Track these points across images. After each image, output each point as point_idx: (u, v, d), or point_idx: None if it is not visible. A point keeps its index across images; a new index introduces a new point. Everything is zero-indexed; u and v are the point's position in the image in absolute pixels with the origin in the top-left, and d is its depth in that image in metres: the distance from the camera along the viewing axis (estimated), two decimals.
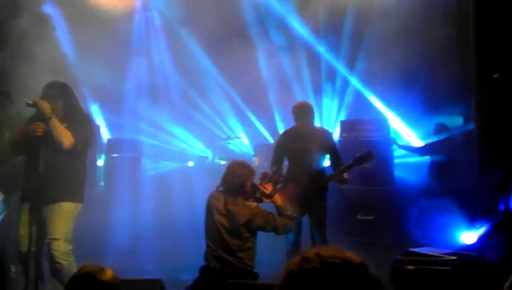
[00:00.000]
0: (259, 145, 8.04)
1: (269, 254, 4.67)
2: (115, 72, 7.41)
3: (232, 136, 8.61)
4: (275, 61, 8.23)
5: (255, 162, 7.61)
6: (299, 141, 4.98)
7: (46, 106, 4.06)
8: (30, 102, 4.05)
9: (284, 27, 8.25)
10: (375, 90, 7.84)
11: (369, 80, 7.83)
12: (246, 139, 8.81)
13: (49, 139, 4.06)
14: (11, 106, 5.29)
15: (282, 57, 8.29)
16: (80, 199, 4.26)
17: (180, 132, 8.72)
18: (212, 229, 4.03)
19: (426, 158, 7.00)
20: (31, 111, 4.21)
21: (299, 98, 7.76)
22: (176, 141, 8.73)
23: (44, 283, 4.15)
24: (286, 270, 1.32)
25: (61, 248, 4.04)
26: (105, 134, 8.51)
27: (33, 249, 3.97)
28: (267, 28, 8.21)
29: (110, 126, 8.58)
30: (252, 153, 8.30)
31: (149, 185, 7.60)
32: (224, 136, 8.60)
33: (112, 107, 8.22)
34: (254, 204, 4.13)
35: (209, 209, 4.08)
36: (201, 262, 4.06)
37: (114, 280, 1.83)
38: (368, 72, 7.70)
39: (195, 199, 6.15)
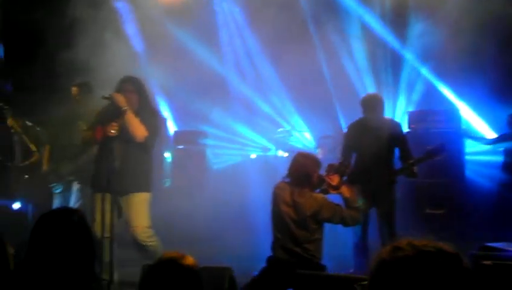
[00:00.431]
0: (322, 137, 7.97)
1: (336, 246, 4.64)
2: (181, 64, 7.54)
3: (292, 129, 8.58)
4: (338, 52, 8.10)
5: (318, 154, 7.56)
6: (367, 133, 4.91)
7: (121, 100, 4.24)
8: (107, 95, 4.24)
9: (348, 16, 8.08)
10: (446, 80, 7.56)
11: (439, 69, 7.56)
12: (307, 133, 8.75)
13: (123, 133, 4.25)
14: (91, 98, 5.49)
15: (346, 48, 8.15)
16: (150, 188, 4.50)
17: (243, 125, 8.79)
18: (279, 221, 4.04)
19: (499, 153, 6.68)
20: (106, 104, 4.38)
21: (364, 89, 7.62)
22: (239, 135, 8.82)
23: (115, 267, 4.33)
24: (378, 259, 1.30)
25: (146, 233, 4.36)
26: (171, 127, 8.72)
27: (106, 235, 4.17)
28: (332, 17, 8.06)
29: (177, 119, 8.78)
30: (314, 145, 8.25)
31: (215, 176, 7.74)
32: (286, 129, 8.58)
33: (177, 100, 8.39)
34: (321, 195, 4.11)
35: (276, 200, 4.10)
36: (269, 252, 4.10)
37: (195, 266, 1.89)
38: (438, 60, 7.43)
39: (260, 190, 6.19)
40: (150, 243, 4.38)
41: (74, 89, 5.47)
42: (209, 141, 8.18)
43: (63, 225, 2.19)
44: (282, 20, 7.43)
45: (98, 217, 4.23)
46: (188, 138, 8.15)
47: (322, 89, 8.05)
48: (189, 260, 1.91)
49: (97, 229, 4.18)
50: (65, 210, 2.32)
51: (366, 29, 7.99)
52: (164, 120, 7.83)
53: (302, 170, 4.06)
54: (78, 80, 5.61)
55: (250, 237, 5.98)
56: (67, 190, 5.40)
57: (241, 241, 6.09)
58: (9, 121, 5.42)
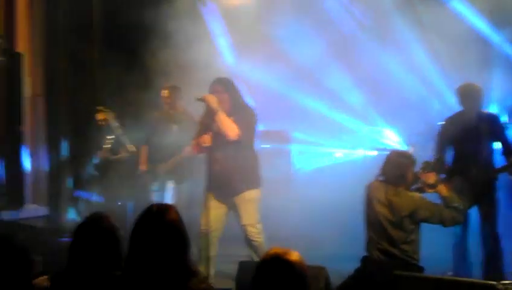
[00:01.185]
0: (413, 134, 7.71)
1: (433, 247, 4.45)
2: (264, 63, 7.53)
3: (380, 126, 8.36)
4: (434, 46, 7.74)
5: (410, 151, 7.31)
6: (465, 128, 4.66)
7: (213, 101, 4.34)
8: (200, 97, 4.36)
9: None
10: None
11: None
12: (391, 131, 8.48)
13: (217, 135, 4.40)
14: (181, 101, 5.67)
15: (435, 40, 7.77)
16: (258, 184, 4.60)
17: (329, 123, 8.66)
18: (374, 221, 3.94)
19: None
20: (193, 106, 4.59)
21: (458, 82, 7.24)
22: (326, 133, 8.70)
23: (212, 263, 4.54)
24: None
25: (256, 230, 4.52)
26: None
27: (211, 229, 4.44)
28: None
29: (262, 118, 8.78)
30: (405, 142, 7.99)
31: (301, 176, 7.69)
32: (375, 127, 8.38)
33: (264, 97, 8.38)
34: (418, 195, 3.96)
35: (369, 200, 4.00)
36: (360, 252, 4.01)
37: (300, 261, 1.92)
38: None
39: (348, 189, 6.08)
40: (258, 239, 4.52)
41: (165, 92, 5.64)
42: (295, 140, 8.14)
43: (159, 222, 2.26)
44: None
45: (206, 212, 4.46)
46: (273, 137, 8.17)
47: (411, 84, 7.75)
48: (295, 254, 1.94)
49: (203, 222, 4.43)
50: (161, 206, 2.38)
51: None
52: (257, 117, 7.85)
53: (397, 169, 3.94)
54: (169, 83, 5.79)
55: (341, 236, 5.89)
56: (163, 188, 5.63)
57: (331, 241, 6.02)
58: (109, 116, 5.73)
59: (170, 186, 5.62)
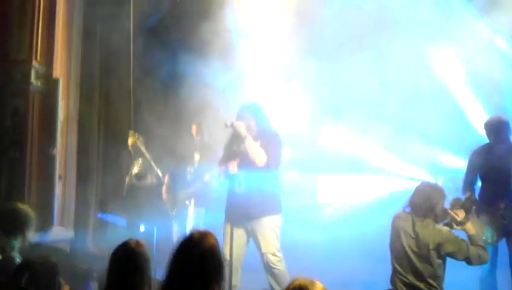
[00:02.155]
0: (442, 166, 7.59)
1: (460, 280, 4.35)
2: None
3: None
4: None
5: (438, 182, 7.20)
6: (492, 160, 4.61)
7: (241, 127, 4.41)
8: (228, 124, 4.43)
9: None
10: None
11: None
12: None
13: (244, 160, 4.43)
14: (205, 136, 5.91)
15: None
16: (279, 210, 4.57)
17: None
18: (400, 253, 3.88)
19: None
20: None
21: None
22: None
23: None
24: None
25: (276, 258, 4.46)
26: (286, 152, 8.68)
27: (233, 259, 4.35)
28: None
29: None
30: (434, 174, 7.86)
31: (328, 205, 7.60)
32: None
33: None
34: (446, 228, 3.89)
35: (396, 231, 3.95)
36: (384, 283, 3.95)
37: None
38: None
39: (373, 217, 6.03)
40: (278, 268, 4.45)
41: (194, 128, 5.85)
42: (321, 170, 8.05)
43: (198, 250, 2.30)
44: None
45: (227, 242, 4.40)
46: (298, 165, 8.10)
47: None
48: (319, 286, 1.91)
49: (226, 253, 4.33)
50: (202, 232, 2.42)
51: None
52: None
53: (427, 201, 3.88)
54: (198, 120, 5.97)
55: (367, 266, 5.81)
56: (184, 215, 5.70)
57: (357, 271, 5.93)
58: (138, 142, 5.87)
59: (190, 211, 5.71)
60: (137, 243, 2.54)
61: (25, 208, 3.44)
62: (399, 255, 3.88)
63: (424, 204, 3.86)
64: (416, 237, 3.81)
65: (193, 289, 2.23)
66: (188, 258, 2.29)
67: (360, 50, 6.86)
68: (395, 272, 3.90)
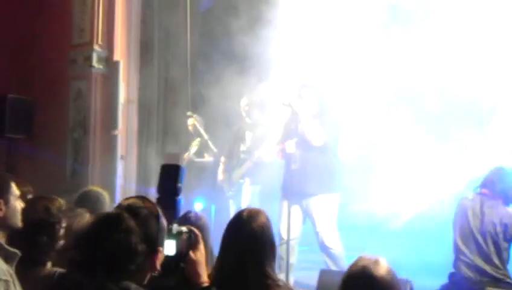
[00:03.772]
0: None
1: None
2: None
3: None
4: None
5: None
6: None
7: (299, 106, 4.37)
8: (286, 102, 4.39)
9: None
10: None
11: None
12: None
13: (302, 139, 4.38)
14: (255, 110, 5.81)
15: None
16: (336, 189, 4.49)
17: None
18: (466, 234, 3.76)
19: None
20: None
21: None
22: None
23: (292, 270, 4.49)
24: None
25: (331, 237, 4.39)
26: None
27: (291, 236, 4.32)
28: None
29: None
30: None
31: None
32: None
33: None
34: None
35: (463, 211, 3.82)
36: (446, 267, 3.84)
37: (390, 273, 1.82)
38: None
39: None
40: (333, 248, 4.39)
41: (244, 101, 5.83)
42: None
43: (247, 230, 2.26)
44: None
45: (284, 220, 4.38)
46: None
47: None
48: (385, 268, 1.85)
49: (283, 231, 4.34)
50: (252, 211, 2.37)
51: None
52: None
53: (501, 184, 3.76)
54: (247, 94, 5.95)
55: (423, 249, 5.64)
56: (239, 193, 5.76)
57: (416, 254, 5.77)
58: (197, 121, 5.99)
59: (246, 189, 5.74)
60: (196, 215, 2.56)
61: (103, 191, 3.59)
62: (465, 237, 3.78)
63: (498, 186, 3.74)
64: (483, 217, 3.68)
65: (244, 268, 2.20)
66: (238, 238, 2.26)
67: None
68: (458, 254, 3.79)
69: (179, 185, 1.98)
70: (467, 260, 3.70)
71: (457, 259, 3.80)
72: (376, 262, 1.87)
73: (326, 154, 4.46)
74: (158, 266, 1.78)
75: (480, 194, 3.79)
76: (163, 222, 1.81)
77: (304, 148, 4.41)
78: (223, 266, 2.26)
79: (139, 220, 1.74)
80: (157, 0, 6.72)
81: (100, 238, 1.71)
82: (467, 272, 3.69)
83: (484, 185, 3.82)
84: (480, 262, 3.65)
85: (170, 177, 1.96)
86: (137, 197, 1.90)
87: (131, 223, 1.72)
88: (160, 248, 1.79)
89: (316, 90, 4.52)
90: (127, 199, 1.88)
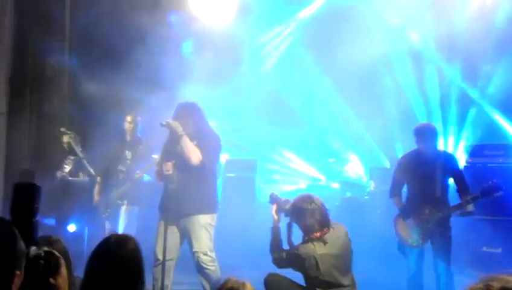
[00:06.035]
0: (375, 169, 7.82)
1: (388, 281, 4.47)
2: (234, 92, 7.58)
3: (340, 158, 8.46)
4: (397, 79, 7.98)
5: (370, 186, 7.43)
6: (420, 166, 4.75)
7: (177, 126, 4.37)
8: (163, 123, 4.38)
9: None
10: (507, 112, 7.33)
11: (500, 102, 7.35)
12: (358, 163, 8.60)
13: (180, 160, 4.38)
14: (137, 129, 5.79)
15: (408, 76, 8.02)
16: (213, 210, 4.52)
17: (293, 153, 8.72)
18: None
19: None
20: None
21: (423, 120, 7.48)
22: (289, 163, 8.75)
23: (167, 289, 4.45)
24: None
25: (207, 258, 4.41)
26: (224, 155, 8.72)
27: (167, 257, 4.30)
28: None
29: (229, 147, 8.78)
30: (367, 177, 8.10)
31: (264, 206, 7.61)
32: (333, 159, 8.48)
33: (232, 128, 8.40)
34: None
35: None
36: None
37: None
38: (500, 92, 7.24)
39: None
40: (209, 268, 4.41)
41: (128, 118, 5.72)
42: (259, 170, 8.16)
43: (117, 253, 2.22)
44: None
45: (159, 241, 4.36)
46: (238, 166, 8.16)
47: (382, 120, 7.87)
48: (249, 288, 1.91)
49: (158, 252, 4.33)
50: (120, 237, 2.34)
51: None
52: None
53: None
54: (132, 111, 5.87)
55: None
56: (115, 215, 5.61)
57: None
58: (72, 139, 5.72)
59: (123, 210, 5.63)
60: (54, 240, 2.43)
61: None
62: None
63: None
64: None
65: None
66: (105, 265, 2.20)
67: None
68: None
69: (36, 205, 1.88)
70: None
71: None
72: (243, 283, 1.92)
73: (204, 174, 4.49)
74: None
75: None
76: (21, 244, 1.70)
77: (181, 169, 4.42)
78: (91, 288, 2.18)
79: None
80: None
81: None
82: None
83: None
84: None
85: (24, 198, 1.85)
86: None
87: None
88: (17, 272, 1.69)
89: (193, 110, 4.55)
90: None
